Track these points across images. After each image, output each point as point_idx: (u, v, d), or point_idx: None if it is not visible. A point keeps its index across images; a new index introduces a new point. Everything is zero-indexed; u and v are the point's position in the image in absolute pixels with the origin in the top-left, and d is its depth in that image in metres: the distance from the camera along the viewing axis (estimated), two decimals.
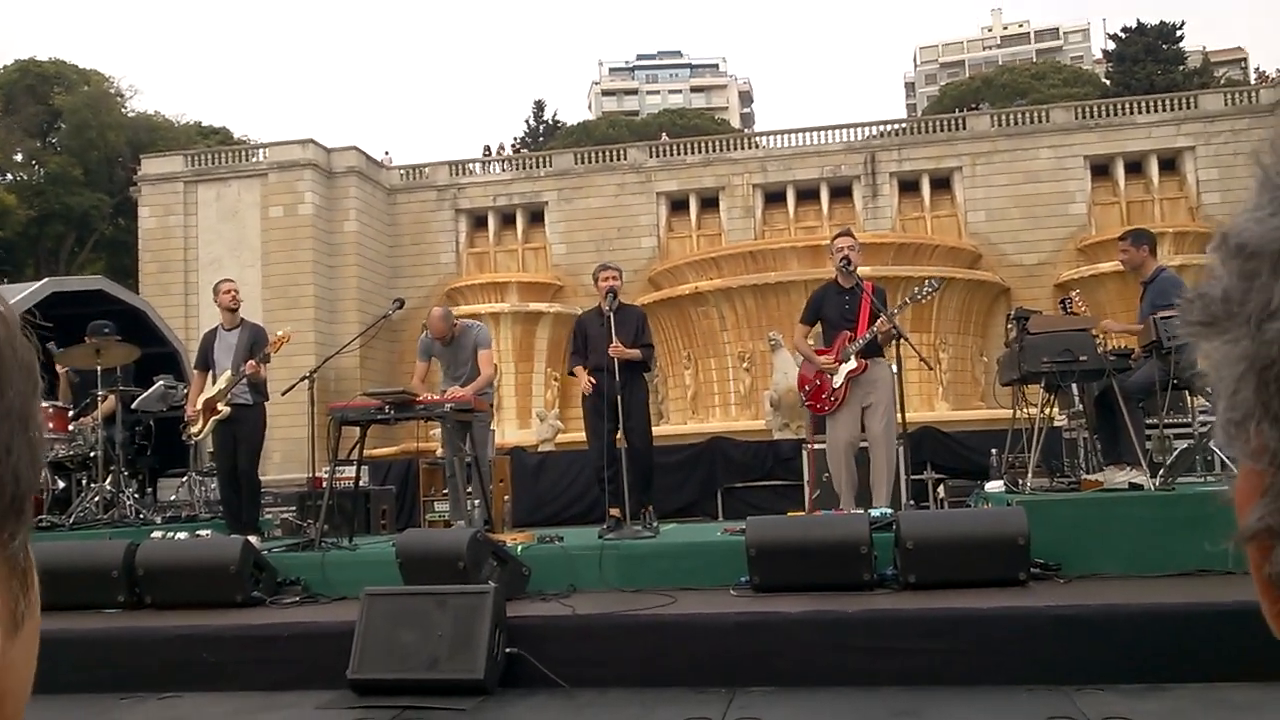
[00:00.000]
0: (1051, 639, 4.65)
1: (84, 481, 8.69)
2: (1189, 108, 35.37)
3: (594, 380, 7.54)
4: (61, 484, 8.66)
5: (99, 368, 8.51)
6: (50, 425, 8.57)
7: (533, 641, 4.97)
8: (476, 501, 8.11)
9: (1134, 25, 49.73)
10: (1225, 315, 0.37)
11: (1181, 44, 49.65)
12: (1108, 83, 50.51)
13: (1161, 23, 49.28)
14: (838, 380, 7.21)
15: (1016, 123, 36.51)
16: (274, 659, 5.25)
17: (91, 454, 8.50)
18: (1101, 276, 30.12)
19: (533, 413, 30.93)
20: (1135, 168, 35.33)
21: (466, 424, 7.81)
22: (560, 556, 6.31)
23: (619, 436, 7.51)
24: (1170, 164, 35.08)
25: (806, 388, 7.47)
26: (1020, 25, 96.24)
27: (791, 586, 5.47)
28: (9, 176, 45.82)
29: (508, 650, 4.91)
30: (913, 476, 8.84)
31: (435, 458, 8.99)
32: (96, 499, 8.32)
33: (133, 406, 9.03)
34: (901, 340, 7.29)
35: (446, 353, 8.35)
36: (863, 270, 7.63)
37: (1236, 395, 0.37)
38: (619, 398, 7.31)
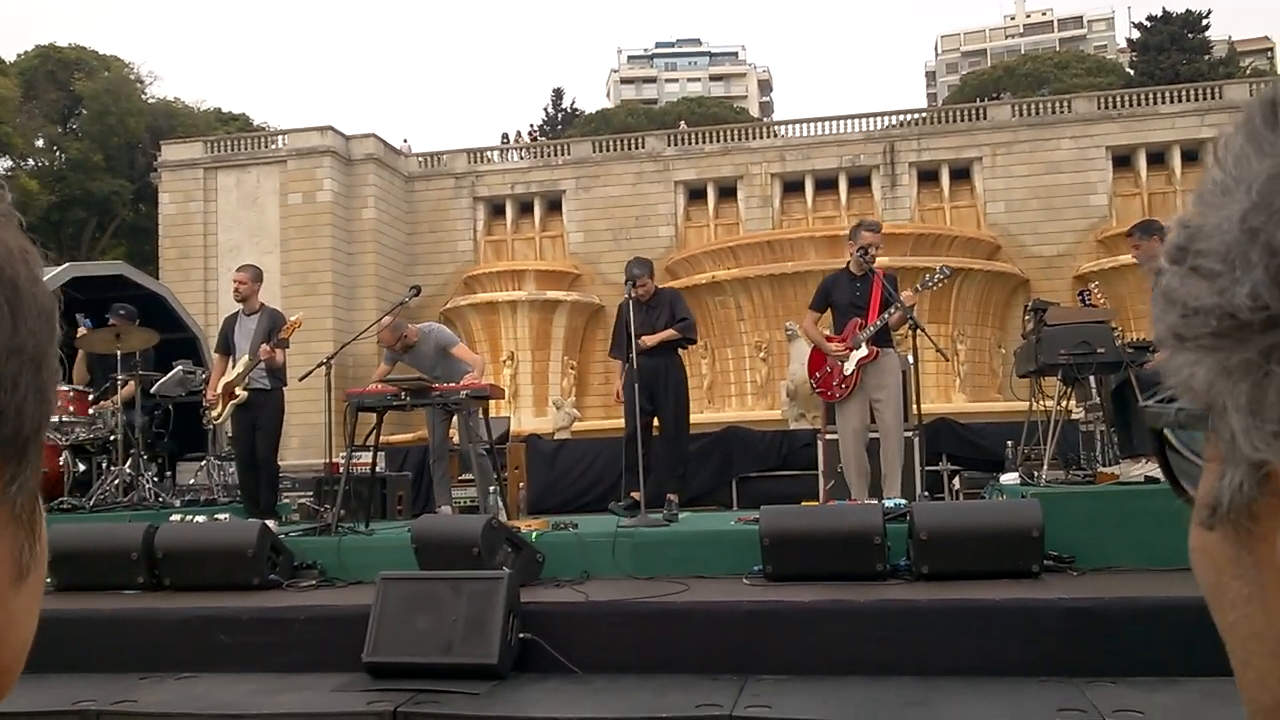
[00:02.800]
0: (1064, 631, 4.66)
1: (104, 465, 8.79)
2: (1214, 98, 35.06)
3: (622, 379, 7.63)
4: (82, 467, 8.75)
5: (119, 352, 8.59)
6: (70, 409, 8.67)
7: (546, 627, 5.01)
8: (492, 488, 8.17)
9: (1159, 14, 49.29)
10: (1260, 324, 0.36)
11: (1207, 33, 49.18)
12: (1131, 72, 50.11)
13: (1187, 11, 48.80)
14: (849, 367, 7.21)
15: (1038, 112, 36.27)
16: (290, 641, 5.30)
17: (111, 437, 8.58)
18: (1122, 269, 29.88)
19: (549, 400, 31.02)
20: (1158, 159, 35.06)
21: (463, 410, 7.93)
22: (574, 543, 6.35)
23: (655, 422, 7.56)
24: (1193, 155, 34.78)
25: (817, 374, 7.47)
26: (1044, 14, 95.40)
27: (805, 576, 5.48)
28: (31, 162, 46.13)
29: (521, 635, 4.95)
30: (928, 468, 8.84)
31: (451, 445, 9.06)
32: (116, 482, 8.41)
33: (152, 391, 9.11)
34: (918, 331, 7.28)
35: (412, 359, 8.43)
36: (881, 260, 7.62)
37: (1269, 406, 0.36)
38: (646, 385, 7.34)
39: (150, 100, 48.45)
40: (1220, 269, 0.37)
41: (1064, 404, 7.82)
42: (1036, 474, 7.20)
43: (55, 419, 8.50)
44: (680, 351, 7.94)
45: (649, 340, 7.39)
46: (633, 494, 7.33)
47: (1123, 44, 66.19)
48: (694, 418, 8.45)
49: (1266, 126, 0.38)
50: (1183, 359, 0.39)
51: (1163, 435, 0.44)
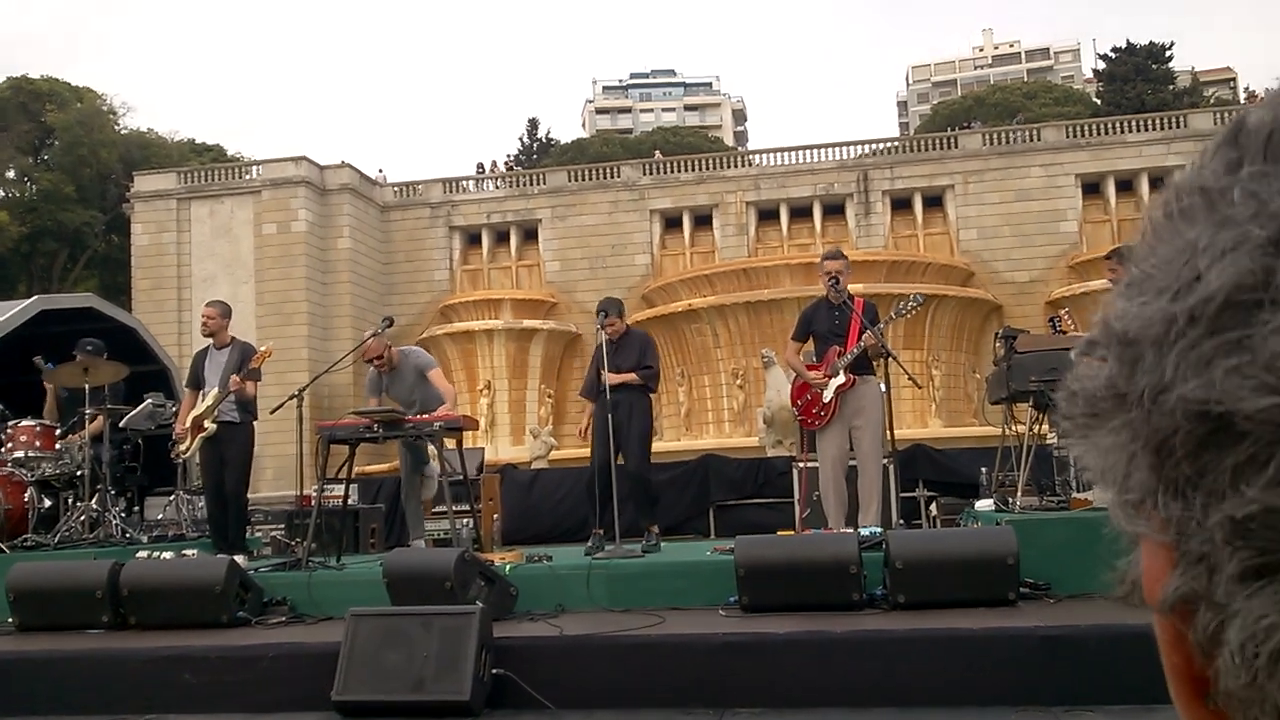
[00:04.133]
0: (1041, 659, 4.62)
1: (70, 500, 8.63)
2: (1179, 127, 35.58)
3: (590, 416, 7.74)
4: (48, 503, 8.59)
5: (87, 386, 8.46)
6: (37, 443, 8.52)
7: (520, 662, 4.93)
8: (466, 521, 8.09)
9: (1124, 45, 50.05)
10: (1113, 404, 0.39)
11: (1171, 64, 49.96)
12: (1098, 102, 50.78)
13: (1151, 43, 49.59)
14: (827, 395, 7.21)
15: (1008, 141, 36.69)
16: (258, 680, 5.20)
17: (78, 472, 8.44)
18: (1093, 294, 30.19)
19: (526, 429, 30.90)
20: (1126, 186, 35.48)
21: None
22: (548, 576, 6.28)
23: (619, 459, 7.56)
24: (1160, 182, 35.01)
25: (799, 401, 7.49)
26: (1011, 45, 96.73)
27: (780, 606, 5.44)
28: (1, 193, 45.77)
29: (494, 671, 4.86)
30: (904, 494, 8.82)
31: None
32: (82, 518, 8.27)
33: (121, 425, 8.98)
34: (890, 359, 7.28)
35: (392, 382, 8.31)
36: (855, 288, 7.66)
37: (1130, 479, 0.39)
38: (612, 419, 7.35)
39: (123, 131, 48.20)
40: (1104, 353, 0.40)
41: (1036, 429, 7.83)
42: (1011, 500, 7.19)
43: (20, 454, 8.37)
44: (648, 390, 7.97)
45: (612, 378, 7.43)
46: (596, 530, 7.34)
47: (1089, 74, 67.21)
48: (671, 445, 8.50)
49: (1154, 232, 0.40)
50: (1076, 444, 0.42)
51: None
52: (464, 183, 40.39)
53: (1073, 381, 0.41)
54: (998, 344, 8.07)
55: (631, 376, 7.66)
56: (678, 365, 32.78)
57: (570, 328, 36.01)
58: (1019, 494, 7.15)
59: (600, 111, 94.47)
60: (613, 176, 38.46)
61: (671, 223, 37.84)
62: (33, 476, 8.42)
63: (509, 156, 55.06)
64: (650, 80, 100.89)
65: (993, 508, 7.45)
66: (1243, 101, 44.06)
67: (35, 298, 11.22)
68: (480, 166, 44.54)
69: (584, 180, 38.60)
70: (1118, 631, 4.65)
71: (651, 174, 38.28)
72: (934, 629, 4.87)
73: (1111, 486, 0.40)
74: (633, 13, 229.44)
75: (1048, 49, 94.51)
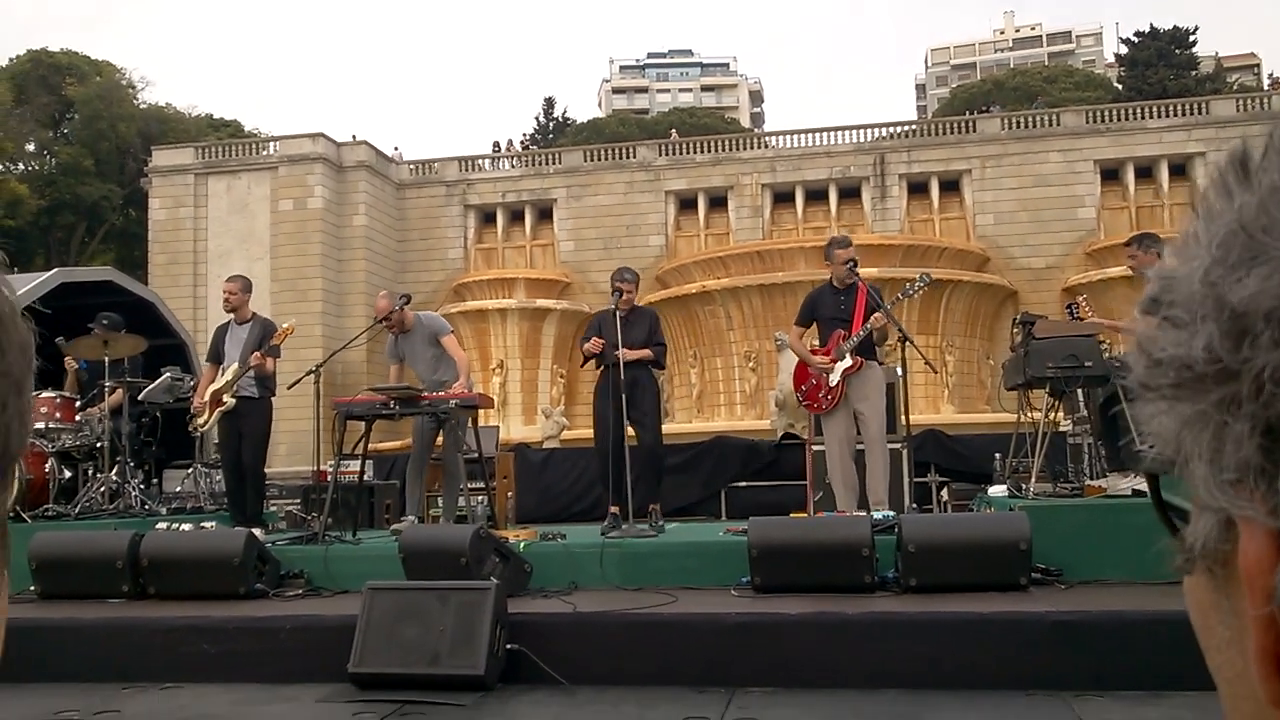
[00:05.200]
0: (1051, 645, 4.65)
1: (90, 472, 8.72)
2: (1200, 113, 35.27)
3: (599, 352, 7.60)
4: (68, 474, 8.68)
5: (106, 359, 8.54)
6: (57, 415, 8.61)
7: (533, 638, 4.98)
8: (481, 498, 8.14)
9: (1147, 30, 49.59)
10: (1214, 377, 0.37)
11: (1194, 49, 49.47)
12: (1119, 87, 50.38)
13: (1175, 27, 49.10)
14: (834, 378, 7.21)
15: (1027, 126, 36.42)
16: (275, 651, 5.26)
17: (98, 444, 8.52)
18: (1110, 281, 30.03)
19: (538, 409, 30.96)
20: (1145, 172, 35.23)
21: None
22: (562, 554, 6.32)
23: (629, 433, 7.53)
24: (1180, 169, 34.96)
25: (803, 386, 7.48)
26: (1032, 28, 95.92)
27: (793, 587, 5.47)
28: (20, 166, 45.96)
29: (508, 646, 4.92)
30: (916, 479, 8.84)
31: (437, 453, 9.00)
32: (102, 489, 8.35)
33: (140, 398, 9.06)
34: (906, 343, 7.28)
35: (407, 345, 8.31)
36: (870, 272, 7.67)
37: (1226, 455, 0.37)
38: (625, 394, 7.33)
39: (142, 106, 48.32)
40: (1187, 318, 0.38)
41: (1052, 416, 7.83)
42: (1025, 486, 7.20)
43: (41, 425, 8.45)
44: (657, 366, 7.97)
45: (628, 354, 7.42)
46: (612, 508, 7.32)
47: (1111, 59, 66.60)
48: (683, 427, 8.50)
49: (1236, 180, 0.39)
50: (1150, 409, 0.40)
51: (1154, 475, 0.45)
52: (480, 161, 40.36)
53: (1151, 345, 0.40)
54: (1015, 329, 8.06)
55: (646, 353, 7.67)
56: (690, 347, 32.80)
57: (584, 308, 36.00)
58: (1033, 480, 7.16)
59: (617, 91, 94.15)
60: (628, 157, 38.37)
61: (686, 204, 37.77)
62: (53, 448, 8.51)
63: (525, 135, 55.03)
64: (667, 60, 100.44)
65: (1006, 493, 7.46)
66: (1266, 88, 43.63)
67: (55, 270, 11.31)
68: (496, 145, 44.53)
69: (600, 160, 38.53)
70: (1130, 618, 4.67)
71: (667, 155, 38.17)
72: (945, 612, 4.90)
73: (1197, 459, 0.38)
74: None
75: (1069, 32, 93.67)
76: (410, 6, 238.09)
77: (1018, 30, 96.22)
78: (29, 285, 10.00)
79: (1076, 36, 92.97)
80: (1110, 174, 35.42)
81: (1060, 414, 8.39)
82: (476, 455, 8.05)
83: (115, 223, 46.82)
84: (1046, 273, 34.20)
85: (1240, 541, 0.38)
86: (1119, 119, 35.87)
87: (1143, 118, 35.63)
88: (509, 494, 10.54)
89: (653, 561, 6.21)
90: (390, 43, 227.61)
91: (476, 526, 6.08)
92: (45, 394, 8.69)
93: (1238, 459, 0.37)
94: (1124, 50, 51.92)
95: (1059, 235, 34.68)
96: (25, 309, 0.51)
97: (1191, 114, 35.34)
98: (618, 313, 7.58)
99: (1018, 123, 36.79)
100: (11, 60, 47.15)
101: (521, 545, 6.31)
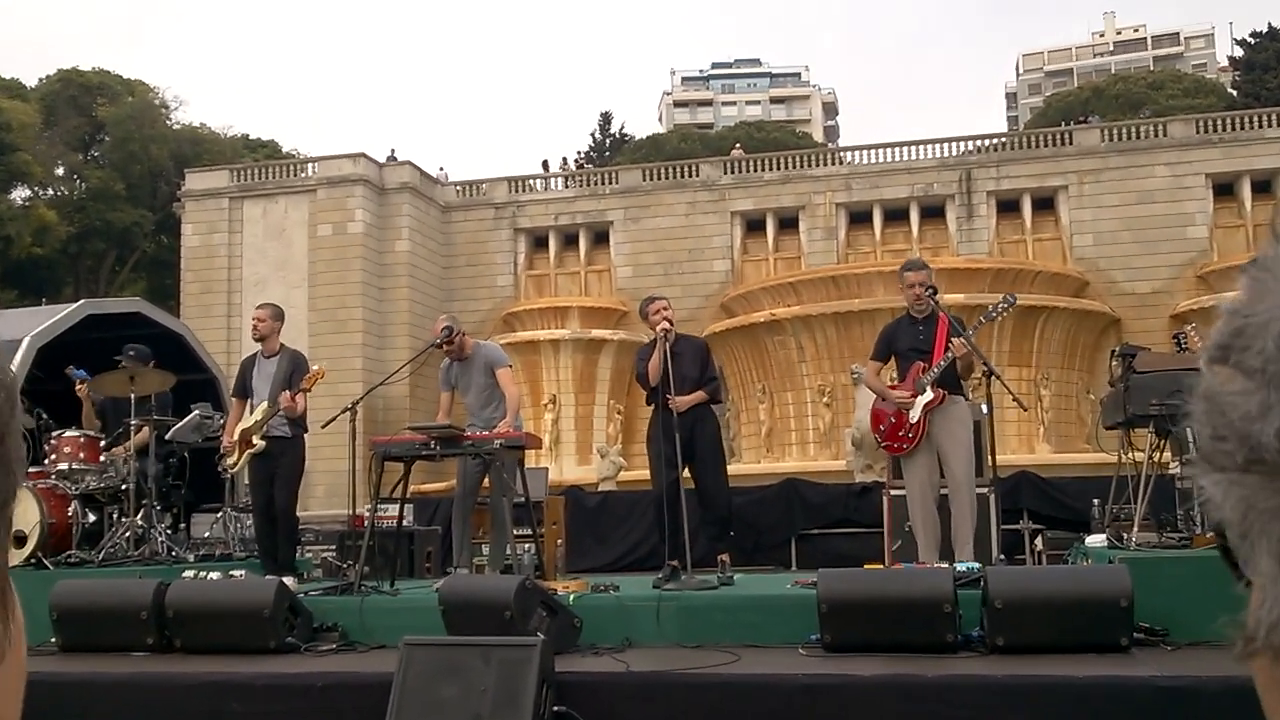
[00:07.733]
0: (1156, 713, 4.55)
1: (115, 515, 8.91)
2: None
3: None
4: (92, 517, 8.87)
5: (133, 395, 8.72)
6: (81, 455, 8.82)
7: (583, 699, 4.99)
8: (528, 547, 8.18)
9: (1264, 30, 48.84)
10: None
11: None
12: (1234, 93, 49.63)
13: None
14: (914, 414, 7.15)
15: (1130, 137, 35.97)
16: (308, 711, 5.33)
17: (123, 486, 8.70)
18: None
19: (593, 448, 31.05)
20: (1263, 187, 34.55)
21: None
22: (615, 607, 6.33)
23: (686, 475, 7.51)
24: None
25: (881, 426, 7.44)
26: (1136, 30, 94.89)
27: (866, 646, 5.42)
28: (49, 191, 47.39)
29: (555, 709, 4.93)
30: (1005, 526, 8.72)
31: (484, 497, 9.08)
32: (127, 534, 8.52)
33: (167, 437, 9.24)
34: (992, 377, 7.21)
35: (463, 373, 8.39)
36: (955, 298, 7.65)
37: None
38: (683, 435, 7.28)
39: (175, 126, 49.67)
40: (1258, 366, 0.36)
41: (1156, 458, 7.68)
42: (1126, 536, 7.06)
43: (65, 466, 8.66)
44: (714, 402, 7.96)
45: (683, 402, 7.35)
46: (671, 562, 7.20)
47: (1224, 62, 65.64)
48: (751, 468, 8.46)
49: None
50: (1211, 480, 0.39)
51: (1222, 531, 0.44)
52: (531, 181, 40.81)
53: (1215, 412, 0.38)
54: (1114, 362, 7.95)
55: (701, 395, 7.65)
56: (759, 380, 32.70)
57: (642, 338, 36.03)
58: (1135, 529, 7.02)
59: (678, 104, 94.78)
60: (691, 175, 38.54)
61: (754, 225, 37.79)
62: (77, 490, 8.71)
63: (579, 153, 55.68)
64: (733, 70, 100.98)
65: (1105, 543, 7.32)
66: None
67: (82, 301, 11.63)
68: (547, 164, 45.02)
69: (659, 179, 38.74)
70: (1240, 684, 4.55)
71: (733, 173, 38.28)
72: (1036, 676, 4.83)
73: (1265, 552, 0.38)
74: None
75: (1177, 34, 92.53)
76: (457, 18, 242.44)
77: (1119, 33, 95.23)
78: (55, 317, 10.30)
79: (1185, 38, 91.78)
80: (1224, 189, 34.79)
81: (1166, 455, 8.22)
82: (523, 499, 8.09)
83: (146, 250, 48.05)
84: (1152, 298, 33.61)
85: None
86: (1233, 128, 35.27)
87: (1260, 126, 34.98)
88: (558, 541, 10.58)
89: (714, 616, 6.19)
90: (435, 56, 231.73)
91: (522, 577, 6.11)
92: (69, 433, 8.91)
93: None
94: (1239, 53, 51.21)
95: (1166, 257, 34.09)
96: None
97: None
98: (668, 347, 7.48)
99: (1120, 134, 36.35)
100: (41, 80, 48.79)
101: (571, 598, 6.33)
